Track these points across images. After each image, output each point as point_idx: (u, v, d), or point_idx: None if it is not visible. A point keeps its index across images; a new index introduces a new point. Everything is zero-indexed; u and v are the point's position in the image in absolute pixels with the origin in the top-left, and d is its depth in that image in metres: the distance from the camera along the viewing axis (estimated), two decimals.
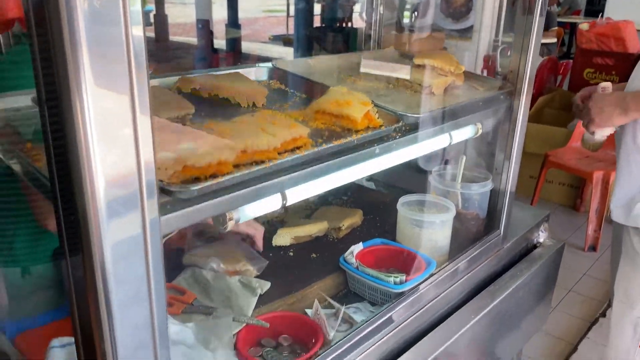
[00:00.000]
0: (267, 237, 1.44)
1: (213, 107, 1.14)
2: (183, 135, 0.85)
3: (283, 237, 1.44)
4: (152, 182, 0.67)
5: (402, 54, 1.70)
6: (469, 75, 1.52)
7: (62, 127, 0.59)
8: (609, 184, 3.18)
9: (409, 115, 1.17)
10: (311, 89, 1.31)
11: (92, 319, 0.68)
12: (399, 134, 1.14)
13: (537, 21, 1.38)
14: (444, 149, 1.44)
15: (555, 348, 2.45)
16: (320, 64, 1.52)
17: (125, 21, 0.58)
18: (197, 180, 0.81)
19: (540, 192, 3.52)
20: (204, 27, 5.17)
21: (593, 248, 3.29)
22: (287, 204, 0.95)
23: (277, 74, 1.39)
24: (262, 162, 0.91)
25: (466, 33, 3.99)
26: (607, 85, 1.53)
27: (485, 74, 3.95)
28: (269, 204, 0.92)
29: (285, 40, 8.16)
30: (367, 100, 1.16)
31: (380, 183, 1.90)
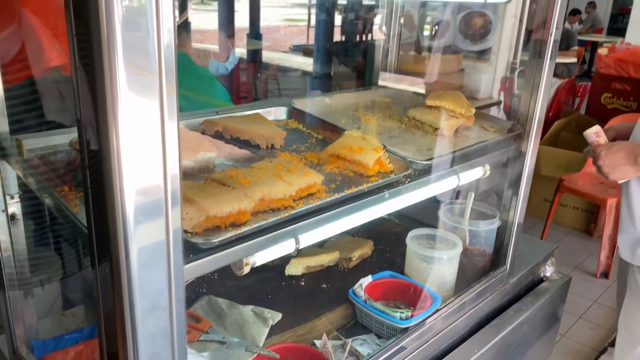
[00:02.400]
0: (280, 267, 1.50)
1: (234, 149, 1.21)
2: (205, 188, 0.92)
3: (295, 267, 1.50)
4: (178, 234, 0.74)
5: (416, 93, 1.75)
6: (479, 116, 1.57)
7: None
8: None
9: (419, 162, 1.23)
10: (327, 130, 1.38)
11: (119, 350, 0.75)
12: (408, 180, 1.19)
13: (547, 66, 1.42)
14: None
15: None
16: (337, 102, 1.59)
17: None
18: (218, 228, 0.89)
19: (553, 216, 3.53)
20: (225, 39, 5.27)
21: (605, 275, 3.29)
22: (300, 247, 1.02)
23: (295, 113, 1.46)
24: (279, 209, 0.98)
25: (484, 55, 4.03)
26: (598, 130, 1.52)
27: (502, 96, 3.99)
28: (283, 249, 0.98)
29: (305, 51, 8.28)
30: (379, 146, 1.22)
31: (393, 213, 1.95)
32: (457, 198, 1.69)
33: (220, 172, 1.03)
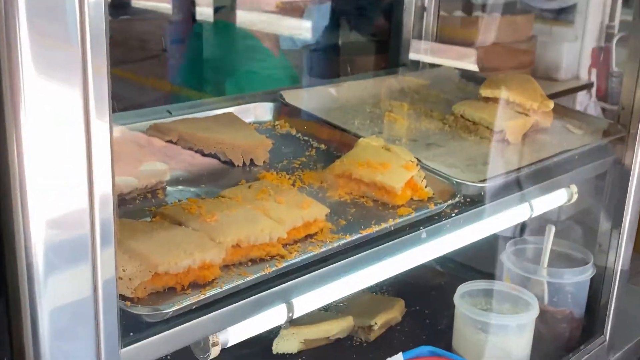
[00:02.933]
0: (266, 340, 1.50)
1: (195, 168, 1.22)
2: (152, 230, 0.93)
3: (289, 341, 1.50)
4: (111, 301, 0.75)
5: (465, 75, 1.77)
6: (560, 112, 1.58)
7: None
8: None
9: (471, 184, 1.24)
10: (333, 136, 1.39)
11: None
12: (456, 210, 1.20)
13: None
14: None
15: None
16: (348, 94, 1.60)
17: None
18: (171, 291, 0.89)
19: None
20: None
21: None
22: (295, 316, 1.02)
23: (286, 112, 1.47)
24: (262, 260, 0.98)
25: (566, 15, 4.05)
26: None
27: (594, 75, 4.01)
28: (270, 319, 0.99)
29: (297, 10, 8.36)
30: (412, 160, 1.23)
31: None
32: (526, 234, 1.70)
33: (173, 205, 1.03)
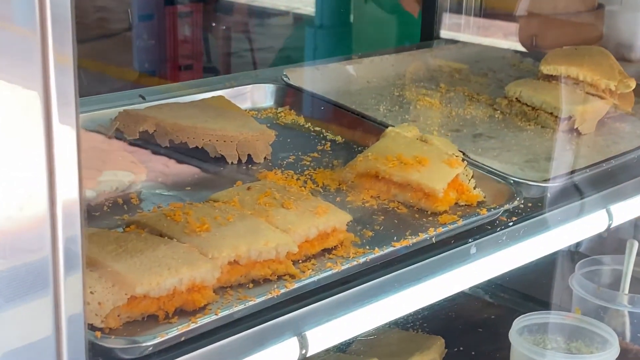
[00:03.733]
0: None
1: (178, 166, 1.22)
2: (126, 242, 0.93)
3: None
4: (78, 331, 0.74)
5: (518, 51, 1.77)
6: None
7: None
8: None
9: (533, 183, 1.24)
10: (353, 127, 1.39)
11: None
12: (514, 219, 1.20)
13: None
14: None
15: None
16: (369, 73, 1.60)
17: None
18: (152, 320, 0.88)
19: None
20: None
21: None
22: (310, 353, 1.02)
23: (291, 96, 1.47)
24: (268, 280, 0.98)
25: None
26: None
27: None
28: (278, 356, 0.98)
29: None
30: (456, 154, 1.23)
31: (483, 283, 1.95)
32: (601, 252, 1.69)
33: (153, 212, 1.03)
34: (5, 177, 0.67)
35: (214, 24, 5.53)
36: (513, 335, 1.50)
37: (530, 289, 1.86)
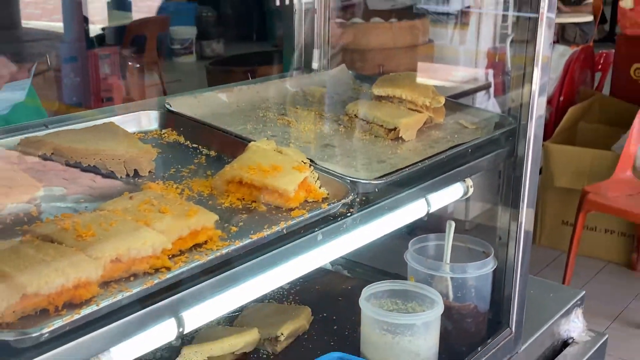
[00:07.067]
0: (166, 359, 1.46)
1: (72, 182, 1.16)
2: (19, 249, 0.87)
3: None
4: None
5: (359, 76, 1.78)
6: (452, 108, 1.61)
7: None
8: None
9: (366, 181, 1.23)
10: (223, 143, 1.36)
11: None
12: (351, 210, 1.19)
13: (545, 25, 1.47)
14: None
15: None
16: (238, 99, 1.57)
17: None
18: (44, 313, 0.83)
19: (579, 245, 3.65)
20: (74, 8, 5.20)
21: None
22: (187, 331, 0.98)
23: (172, 119, 1.43)
24: (147, 274, 0.94)
25: (461, 18, 4.18)
26: None
27: (491, 75, 4.14)
28: (158, 336, 0.95)
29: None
30: (304, 161, 1.22)
31: (339, 259, 1.94)
32: (428, 231, 1.71)
33: (46, 223, 0.98)
34: None
35: (129, 63, 5.46)
36: (362, 301, 1.49)
37: (378, 264, 1.88)
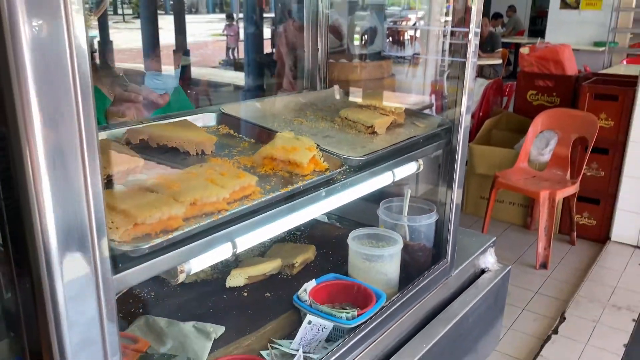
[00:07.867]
0: (221, 280, 1.48)
1: (162, 157, 1.19)
2: (133, 195, 0.90)
3: (237, 278, 1.49)
4: (103, 242, 0.72)
5: (347, 92, 1.80)
6: (410, 114, 1.64)
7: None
8: (556, 202, 3.40)
9: (352, 158, 1.26)
10: (259, 134, 1.39)
11: None
12: (344, 177, 1.22)
13: (470, 65, 1.50)
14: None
15: None
16: (268, 107, 1.60)
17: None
18: (147, 236, 0.87)
19: (492, 212, 3.70)
20: (153, 53, 5.16)
21: (544, 266, 3.48)
22: (238, 252, 1.02)
23: (225, 119, 1.46)
24: (212, 213, 0.97)
25: (413, 59, 4.21)
26: None
27: (433, 98, 4.17)
28: (220, 254, 0.98)
29: (236, 65, 8.27)
30: (313, 145, 1.25)
31: (334, 216, 1.98)
32: (384, 194, 1.74)
33: (149, 178, 1.01)
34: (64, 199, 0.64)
35: (188, 91, 5.44)
36: (349, 240, 1.53)
37: (360, 219, 1.90)
